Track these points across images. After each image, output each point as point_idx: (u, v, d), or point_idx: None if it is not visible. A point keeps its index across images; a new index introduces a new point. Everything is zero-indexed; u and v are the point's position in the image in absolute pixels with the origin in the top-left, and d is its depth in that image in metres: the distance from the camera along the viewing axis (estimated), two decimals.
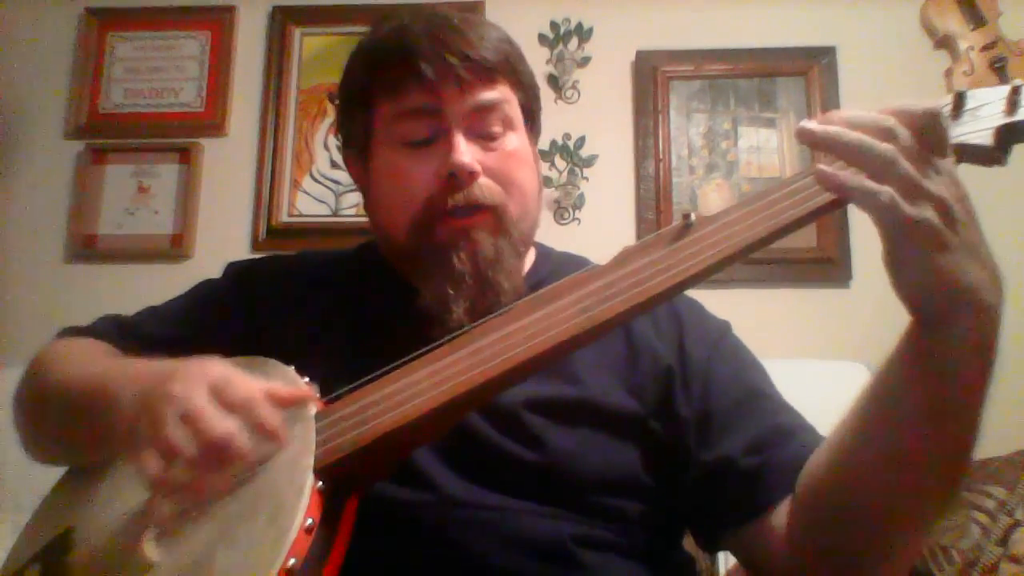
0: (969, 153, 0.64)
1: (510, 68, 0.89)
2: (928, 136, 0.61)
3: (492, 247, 0.83)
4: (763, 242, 0.65)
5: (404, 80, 0.85)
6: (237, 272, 1.00)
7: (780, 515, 0.77)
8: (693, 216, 0.68)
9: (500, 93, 0.87)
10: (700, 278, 0.66)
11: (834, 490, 0.72)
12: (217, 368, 0.69)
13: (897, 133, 0.60)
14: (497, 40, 0.88)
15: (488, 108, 0.86)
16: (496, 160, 0.86)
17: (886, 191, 0.58)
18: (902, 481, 0.67)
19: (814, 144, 0.63)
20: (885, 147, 0.59)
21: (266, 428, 0.65)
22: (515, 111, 0.90)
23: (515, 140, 0.89)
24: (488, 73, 0.86)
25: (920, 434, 0.65)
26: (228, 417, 0.64)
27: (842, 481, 0.71)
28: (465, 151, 0.83)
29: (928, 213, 0.58)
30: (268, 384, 0.69)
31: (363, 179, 0.93)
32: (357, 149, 0.93)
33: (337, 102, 0.97)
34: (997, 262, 0.62)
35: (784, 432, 0.80)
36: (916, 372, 0.65)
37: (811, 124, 0.62)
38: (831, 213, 0.65)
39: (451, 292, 0.82)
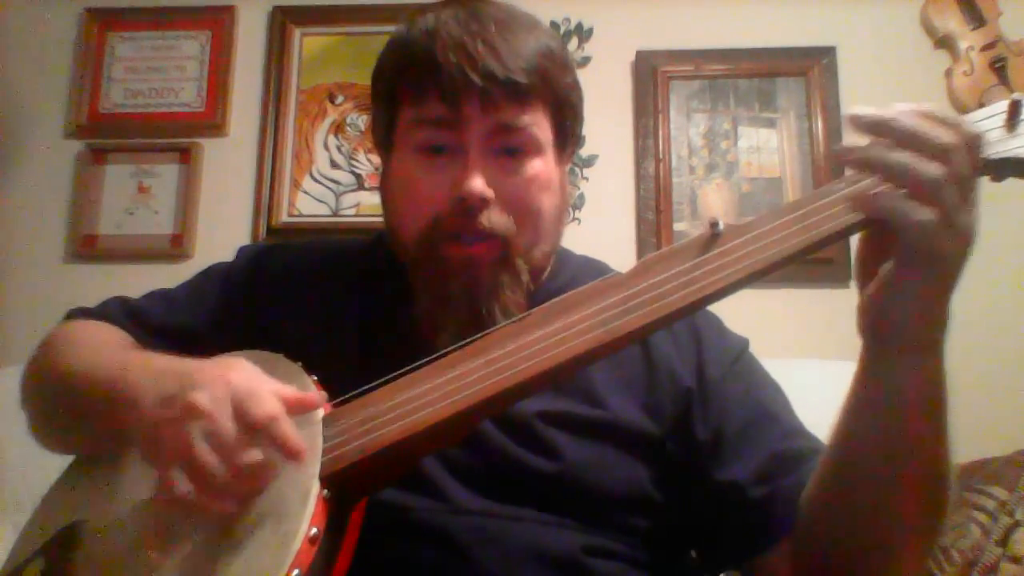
0: (1022, 168, 0.59)
1: (546, 88, 0.82)
2: (971, 160, 0.57)
3: (492, 280, 0.80)
4: (794, 257, 0.62)
5: (426, 88, 0.80)
6: (250, 258, 0.99)
7: (785, 544, 0.76)
8: (721, 224, 0.65)
9: (529, 117, 0.81)
10: (726, 293, 0.63)
11: (821, 515, 0.73)
12: (238, 376, 0.66)
13: (953, 157, 0.56)
14: (535, 53, 0.81)
15: (512, 130, 0.81)
16: (512, 187, 0.81)
17: (930, 220, 0.55)
18: (877, 509, 0.68)
19: (850, 162, 0.60)
20: (935, 169, 0.55)
21: (290, 448, 0.63)
22: (544, 133, 0.84)
23: (538, 164, 0.83)
24: (517, 96, 0.80)
25: (882, 468, 0.66)
26: (254, 444, 0.63)
27: (826, 507, 0.72)
28: (478, 178, 0.78)
29: (954, 246, 0.56)
30: (279, 388, 0.67)
31: (384, 171, 0.90)
32: (381, 142, 0.90)
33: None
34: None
35: (792, 459, 0.79)
36: (867, 409, 0.66)
37: (851, 145, 0.59)
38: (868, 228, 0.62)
39: (439, 315, 0.80)
